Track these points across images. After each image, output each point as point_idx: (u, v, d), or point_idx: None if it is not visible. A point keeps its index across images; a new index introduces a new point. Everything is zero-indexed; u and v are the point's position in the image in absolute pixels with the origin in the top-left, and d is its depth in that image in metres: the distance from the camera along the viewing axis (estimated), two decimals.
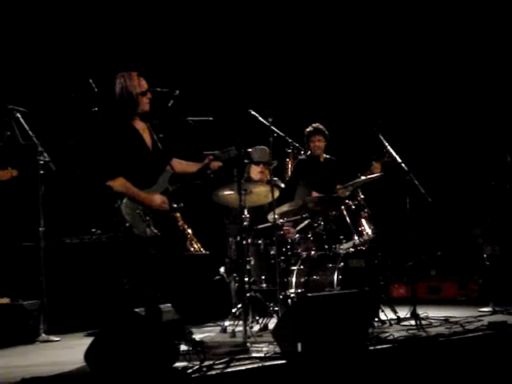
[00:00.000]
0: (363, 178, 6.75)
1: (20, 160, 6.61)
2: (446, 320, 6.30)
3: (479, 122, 9.55)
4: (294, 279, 6.48)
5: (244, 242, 6.17)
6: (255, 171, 7.04)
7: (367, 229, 6.63)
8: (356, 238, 6.58)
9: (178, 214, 6.63)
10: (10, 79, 7.65)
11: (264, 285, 6.51)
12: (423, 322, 6.18)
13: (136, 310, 4.93)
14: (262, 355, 4.64)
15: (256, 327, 6.18)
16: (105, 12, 8.45)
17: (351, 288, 6.08)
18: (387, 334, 5.39)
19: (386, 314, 6.46)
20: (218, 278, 7.13)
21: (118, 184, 5.06)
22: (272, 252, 6.49)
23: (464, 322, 6.07)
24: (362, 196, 6.78)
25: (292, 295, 6.42)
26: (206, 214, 7.95)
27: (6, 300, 6.41)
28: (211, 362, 4.30)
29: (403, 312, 6.53)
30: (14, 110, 6.53)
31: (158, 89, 5.51)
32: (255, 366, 4.37)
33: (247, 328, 5.54)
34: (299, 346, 4.60)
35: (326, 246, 6.63)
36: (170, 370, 4.19)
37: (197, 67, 8.93)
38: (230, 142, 5.66)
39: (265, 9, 9.51)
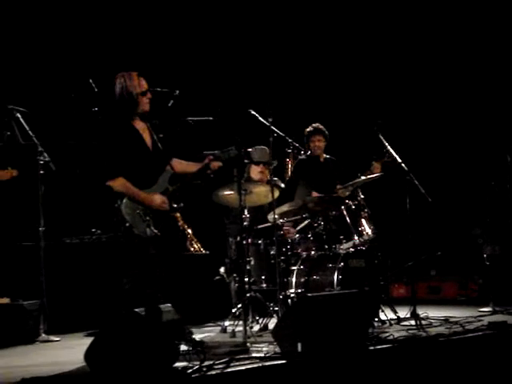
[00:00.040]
0: (363, 177, 6.75)
1: (20, 160, 6.61)
2: (446, 320, 6.30)
3: (479, 122, 9.55)
4: (294, 279, 6.48)
5: (244, 242, 6.17)
6: (255, 171, 7.04)
7: (367, 229, 6.63)
8: (356, 237, 6.59)
9: (178, 214, 6.63)
10: (10, 79, 7.65)
11: (264, 285, 6.50)
12: (423, 322, 6.18)
13: (136, 310, 4.93)
14: (262, 355, 4.64)
15: (256, 327, 6.18)
16: (105, 12, 8.45)
17: (351, 288, 6.08)
18: (387, 334, 5.39)
19: (386, 314, 6.45)
20: (218, 278, 7.13)
21: (118, 184, 5.06)
22: (272, 252, 6.49)
23: (464, 322, 6.07)
24: (362, 196, 6.78)
25: (292, 295, 6.42)
26: (206, 214, 7.95)
27: (6, 300, 6.41)
28: (211, 362, 4.30)
29: (403, 312, 6.53)
30: (14, 109, 6.52)
31: (158, 89, 5.51)
32: (255, 366, 4.37)
33: (247, 328, 5.54)
34: (299, 346, 4.60)
35: (326, 246, 6.63)
36: (170, 370, 4.19)
37: (197, 67, 8.93)
38: (229, 141, 5.66)
39: (265, 9, 9.51)
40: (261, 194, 6.41)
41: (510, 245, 7.62)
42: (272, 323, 6.04)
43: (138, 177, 5.10)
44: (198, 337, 5.48)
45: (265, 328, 6.21)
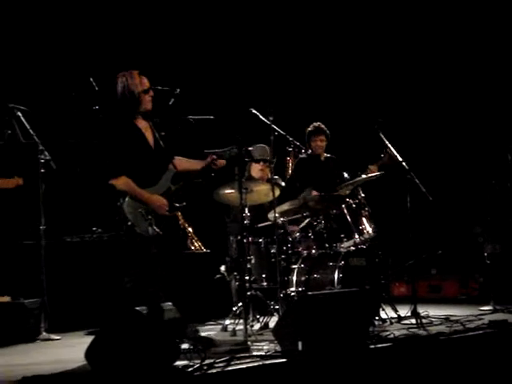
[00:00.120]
0: (364, 176, 6.76)
1: (21, 159, 6.61)
2: (447, 319, 6.30)
3: (480, 120, 9.55)
4: (294, 278, 6.48)
5: (245, 241, 6.17)
6: (256, 169, 7.05)
7: (368, 227, 6.64)
8: (357, 236, 6.59)
9: (179, 213, 6.63)
10: (11, 78, 7.65)
11: (265, 283, 6.51)
12: (424, 321, 6.18)
13: (137, 308, 4.92)
14: (263, 354, 4.64)
15: (256, 326, 6.17)
16: (105, 11, 8.45)
17: (352, 286, 6.10)
18: (388, 333, 5.38)
19: (387, 313, 6.46)
20: (218, 276, 7.13)
21: (121, 183, 5.07)
22: (273, 250, 6.49)
23: (465, 320, 6.07)
24: (363, 194, 6.79)
25: (293, 294, 6.42)
26: (206, 212, 7.95)
27: (6, 298, 6.41)
28: (212, 361, 4.30)
29: (404, 310, 6.52)
30: (14, 108, 6.52)
31: (159, 87, 5.51)
32: (256, 364, 4.37)
33: (248, 326, 5.54)
34: (300, 344, 4.61)
35: (327, 245, 6.63)
36: (171, 369, 4.19)
37: (198, 66, 8.93)
38: (230, 140, 5.67)
39: (265, 8, 9.50)
40: (261, 192, 6.41)
41: (511, 243, 7.62)
42: (272, 322, 6.04)
43: (140, 175, 5.11)
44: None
45: (265, 326, 6.22)
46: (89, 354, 4.21)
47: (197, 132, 6.11)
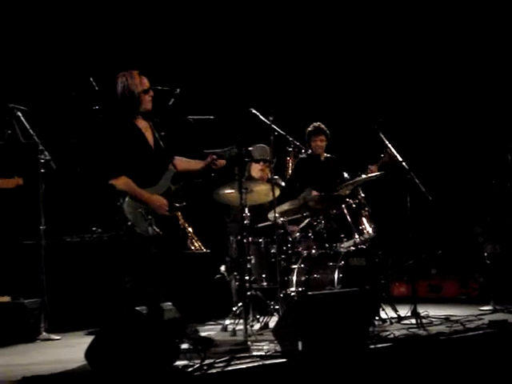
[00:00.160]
0: (364, 176, 6.76)
1: (21, 159, 6.60)
2: (447, 318, 6.29)
3: (480, 120, 9.55)
4: (294, 278, 6.48)
5: (245, 241, 6.17)
6: (255, 169, 7.05)
7: (368, 227, 6.64)
8: (357, 236, 6.59)
9: (179, 213, 6.63)
10: (11, 77, 7.65)
11: (265, 283, 6.51)
12: (424, 321, 6.17)
13: (137, 308, 4.92)
14: (263, 354, 4.64)
15: (256, 326, 6.17)
16: (105, 10, 8.45)
17: (352, 286, 6.09)
18: (388, 333, 5.38)
19: (387, 313, 6.46)
20: (218, 276, 7.13)
21: (121, 183, 5.07)
22: (273, 250, 6.49)
23: (465, 320, 6.07)
24: (363, 194, 6.79)
25: (293, 294, 6.42)
26: (206, 212, 7.95)
27: (6, 298, 6.41)
28: (212, 361, 4.30)
29: (404, 310, 6.52)
30: (14, 108, 6.52)
31: (159, 87, 5.51)
32: (256, 364, 4.37)
33: (248, 326, 5.54)
34: (300, 344, 4.60)
35: (327, 245, 6.63)
36: (171, 369, 4.19)
37: (198, 66, 8.93)
38: (230, 140, 5.66)
39: (265, 7, 9.50)
40: (261, 192, 6.41)
41: (511, 243, 7.62)
42: (272, 322, 6.04)
43: (140, 175, 5.11)
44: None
45: (265, 326, 6.21)
46: (89, 353, 4.21)
47: (197, 132, 6.11)
